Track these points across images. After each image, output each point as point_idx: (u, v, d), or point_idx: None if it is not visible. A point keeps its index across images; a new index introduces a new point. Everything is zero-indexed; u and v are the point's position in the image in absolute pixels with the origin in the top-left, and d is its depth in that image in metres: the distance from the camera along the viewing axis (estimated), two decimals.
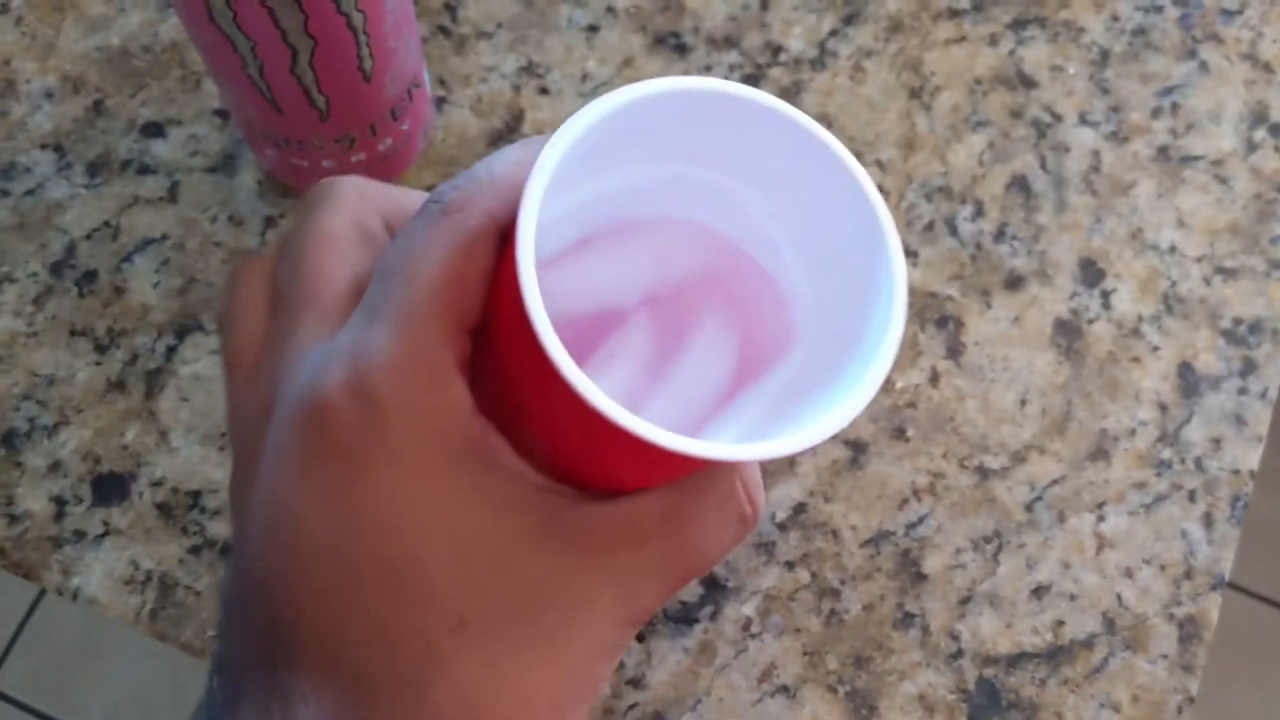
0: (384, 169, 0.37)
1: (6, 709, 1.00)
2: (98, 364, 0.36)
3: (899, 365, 0.37)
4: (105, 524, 0.35)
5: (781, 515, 0.36)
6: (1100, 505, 0.36)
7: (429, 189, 0.39)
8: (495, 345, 0.23)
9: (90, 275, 0.37)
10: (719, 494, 0.23)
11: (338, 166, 0.36)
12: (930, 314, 0.38)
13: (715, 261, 0.32)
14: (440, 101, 0.40)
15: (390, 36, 0.32)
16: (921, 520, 0.36)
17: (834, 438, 0.37)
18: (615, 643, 0.22)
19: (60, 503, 0.35)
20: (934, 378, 0.37)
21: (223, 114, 0.39)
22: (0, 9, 0.40)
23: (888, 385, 0.37)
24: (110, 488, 0.35)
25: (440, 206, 0.22)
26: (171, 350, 0.37)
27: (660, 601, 0.22)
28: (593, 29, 0.41)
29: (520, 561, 0.20)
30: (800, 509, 0.36)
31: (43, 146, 0.39)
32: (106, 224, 0.38)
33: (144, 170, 0.39)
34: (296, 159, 0.36)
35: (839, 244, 0.27)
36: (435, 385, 0.20)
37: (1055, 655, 0.35)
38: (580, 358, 0.29)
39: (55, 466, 0.35)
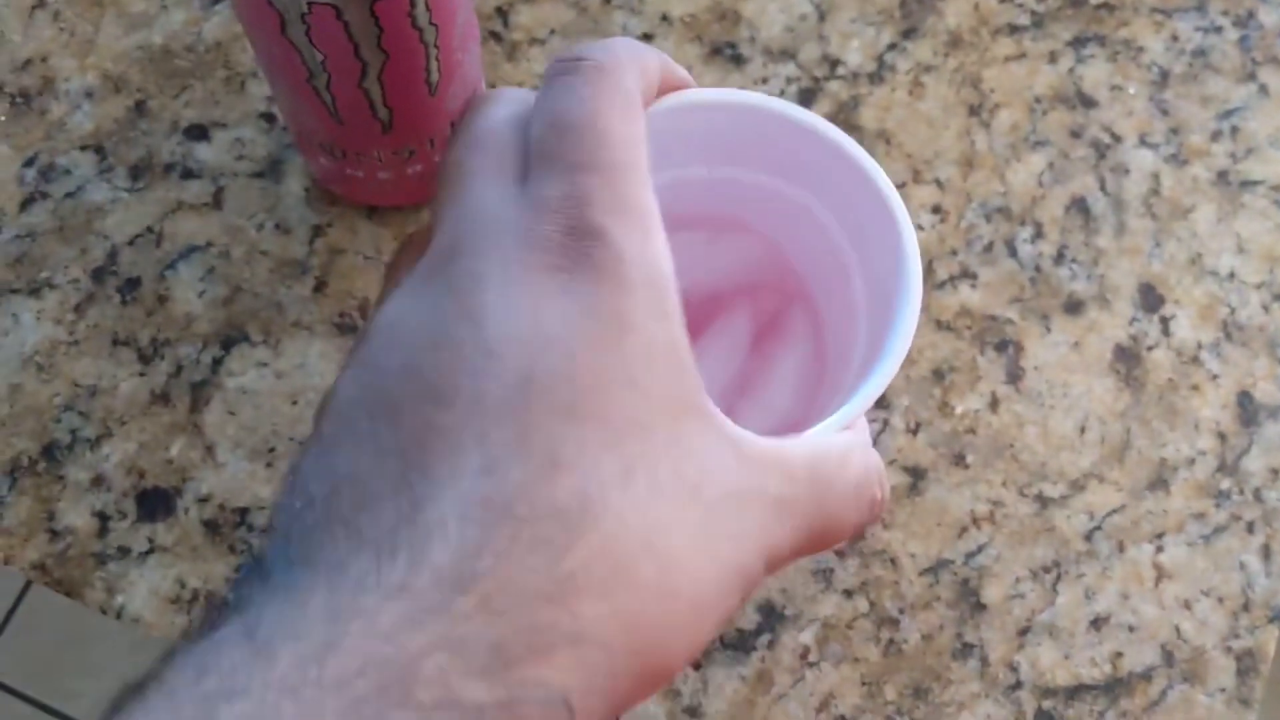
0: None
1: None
2: (141, 375, 0.35)
3: (959, 390, 0.37)
4: (150, 541, 0.34)
5: (840, 543, 0.35)
6: (1159, 535, 0.36)
7: None
8: None
9: (133, 283, 0.36)
10: (858, 472, 0.23)
11: (393, 178, 0.35)
12: (990, 337, 0.37)
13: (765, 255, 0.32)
14: None
15: (458, 50, 0.31)
16: (981, 549, 0.35)
17: (894, 463, 0.36)
18: (754, 570, 0.20)
19: (104, 518, 0.34)
20: (994, 403, 0.37)
21: (269, 117, 0.38)
22: (37, 3, 0.39)
23: (947, 410, 0.36)
24: (155, 503, 0.34)
25: (595, 64, 0.22)
26: (217, 362, 0.35)
27: (793, 555, 0.21)
28: (647, 37, 0.40)
29: (696, 436, 0.20)
30: (858, 536, 0.35)
31: (83, 148, 0.37)
32: (149, 230, 0.37)
33: (188, 174, 0.37)
34: (351, 169, 0.34)
35: (879, 254, 0.27)
36: (652, 238, 0.20)
37: (1114, 688, 0.34)
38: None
39: (98, 481, 0.34)
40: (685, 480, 0.19)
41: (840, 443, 0.23)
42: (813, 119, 0.28)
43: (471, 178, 0.21)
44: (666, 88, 0.26)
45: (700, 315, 0.31)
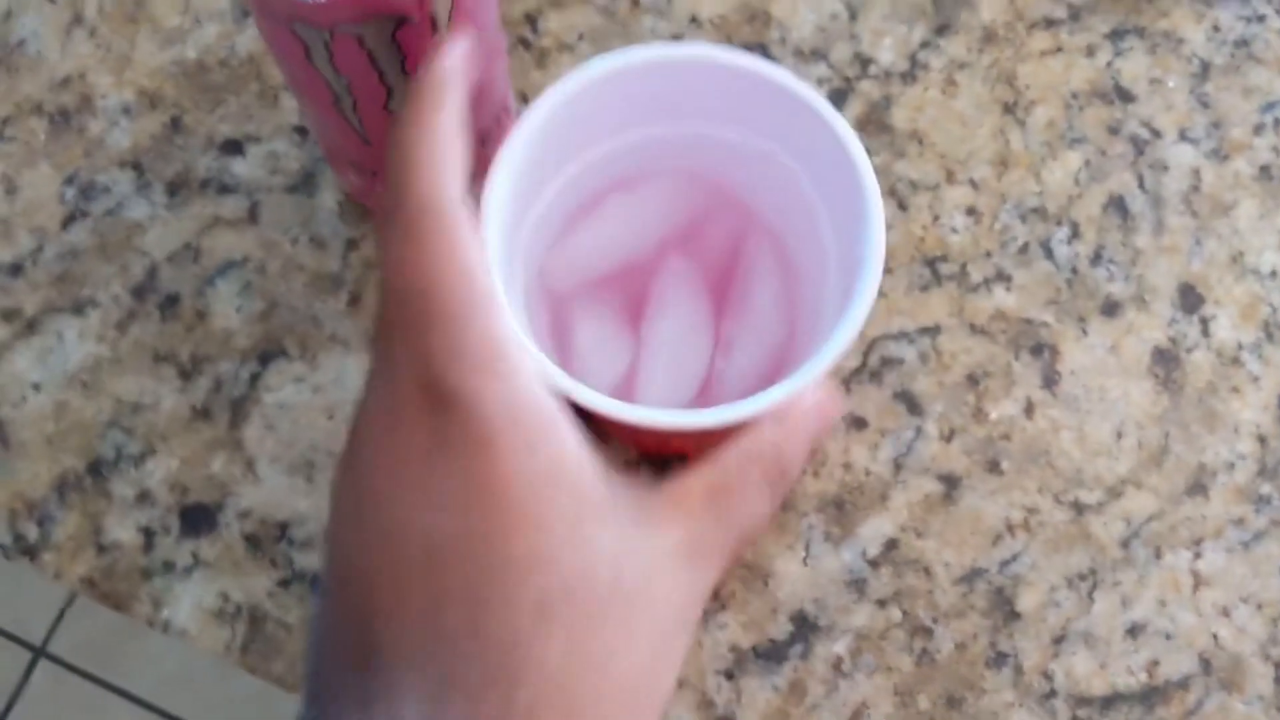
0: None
1: (60, 672, 0.99)
2: (182, 391, 0.34)
3: (993, 396, 0.35)
4: (194, 555, 0.33)
5: (873, 551, 0.33)
6: (1197, 542, 0.34)
7: None
8: None
9: (172, 299, 0.35)
10: (757, 466, 0.23)
11: None
12: (1025, 341, 0.35)
13: (720, 202, 0.31)
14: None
15: (488, 65, 0.29)
16: (1015, 557, 0.34)
17: (927, 470, 0.34)
18: (686, 619, 0.22)
19: (149, 533, 0.33)
20: (1029, 408, 0.35)
21: (302, 130, 0.37)
22: (73, 21, 0.38)
23: (981, 416, 0.35)
24: (198, 518, 0.33)
25: (402, 212, 0.22)
26: (255, 377, 0.34)
27: (718, 576, 0.22)
28: (676, 39, 0.38)
29: (592, 537, 0.20)
30: (892, 545, 0.33)
31: (121, 165, 0.36)
32: (187, 246, 0.36)
33: (224, 189, 0.36)
34: (381, 186, 0.33)
35: (843, 201, 0.27)
36: (500, 372, 0.20)
37: (1150, 696, 0.33)
38: (634, 309, 0.29)
39: (143, 496, 0.33)
40: (595, 592, 0.20)
41: (738, 450, 0.23)
42: (768, 68, 0.27)
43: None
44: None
45: (672, 256, 0.31)
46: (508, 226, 0.27)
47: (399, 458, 0.20)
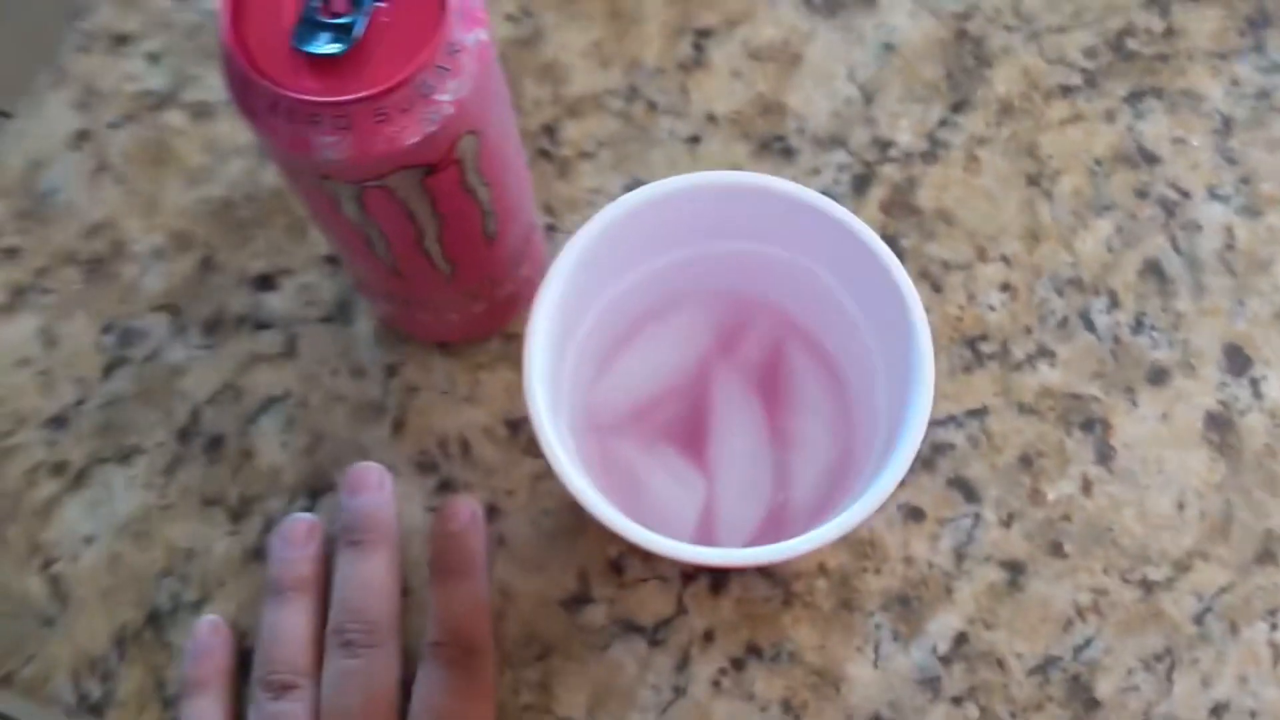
0: (504, 313, 0.34)
1: None
2: (233, 534, 0.34)
3: (1049, 476, 0.34)
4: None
5: (943, 647, 0.32)
6: (1273, 612, 0.32)
7: None
8: None
9: (217, 440, 0.35)
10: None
11: (459, 318, 0.33)
12: (1075, 417, 0.34)
13: (760, 318, 0.31)
14: (550, 229, 0.36)
15: (512, 194, 0.29)
16: (1089, 642, 0.32)
17: (990, 558, 0.33)
18: None
19: None
20: (1086, 486, 0.34)
21: (332, 260, 0.36)
22: (98, 167, 0.38)
23: (1039, 498, 0.34)
24: None
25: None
26: (307, 512, 0.34)
27: None
28: (694, 140, 0.38)
29: None
30: (962, 639, 0.32)
31: (157, 308, 0.36)
32: (228, 385, 0.35)
33: (260, 326, 0.36)
34: (417, 314, 0.33)
35: (891, 330, 0.26)
36: None
37: None
38: (688, 432, 0.27)
39: None
40: None
41: None
42: (807, 193, 0.27)
43: None
44: None
45: (716, 371, 0.30)
46: (550, 364, 0.26)
47: None
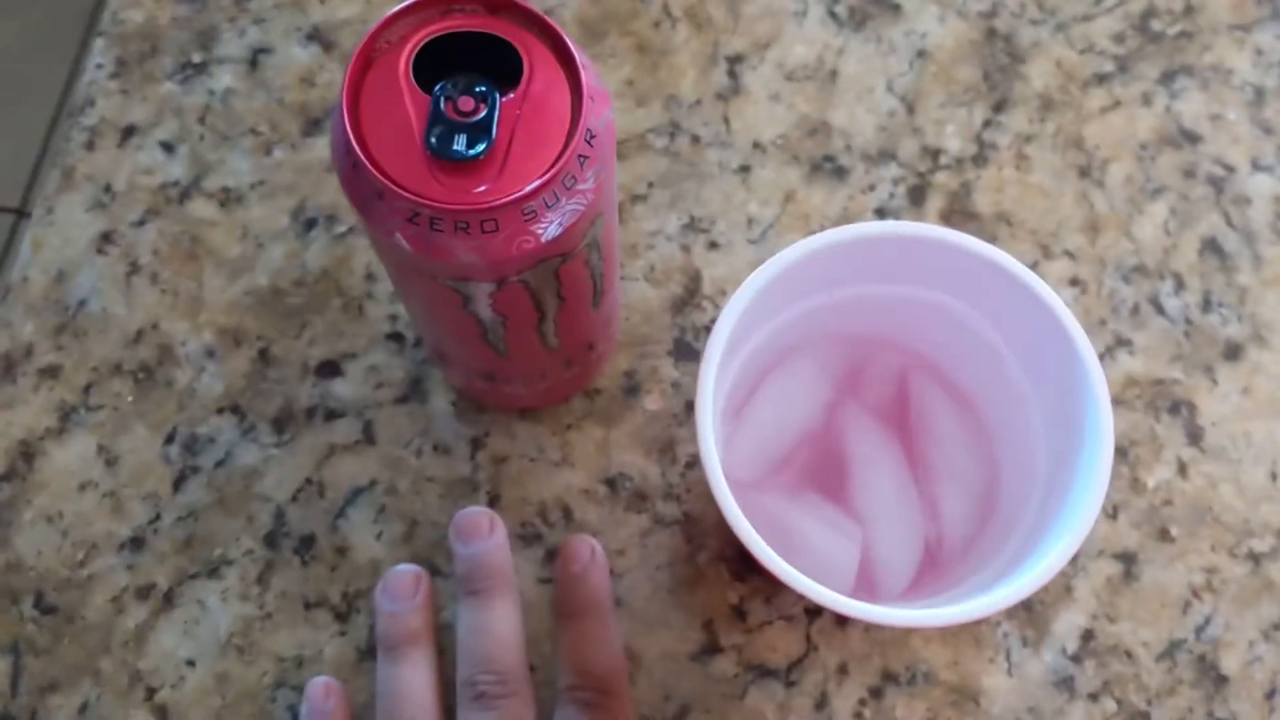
0: (589, 373, 0.35)
1: None
2: (342, 633, 0.34)
3: (1146, 463, 0.36)
4: None
5: (1072, 646, 0.35)
6: None
7: (626, 374, 0.37)
8: None
9: (308, 540, 0.35)
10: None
11: (548, 385, 0.34)
12: (1161, 402, 0.37)
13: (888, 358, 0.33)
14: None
15: (613, 262, 0.30)
16: (1208, 621, 0.35)
17: (1103, 552, 0.35)
18: None
19: None
20: (1181, 469, 0.36)
21: (396, 337, 0.37)
22: (131, 270, 0.38)
23: (1139, 487, 0.36)
24: None
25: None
26: None
27: None
28: (745, 169, 0.39)
29: None
30: (1088, 636, 0.35)
31: (219, 411, 0.36)
32: (309, 481, 0.36)
33: (331, 415, 0.36)
34: (508, 387, 0.34)
35: (1052, 371, 0.28)
36: None
37: None
38: (829, 477, 0.29)
39: None
40: None
41: None
42: (960, 238, 0.29)
43: None
44: None
45: (847, 413, 0.32)
46: (714, 423, 0.27)
47: None
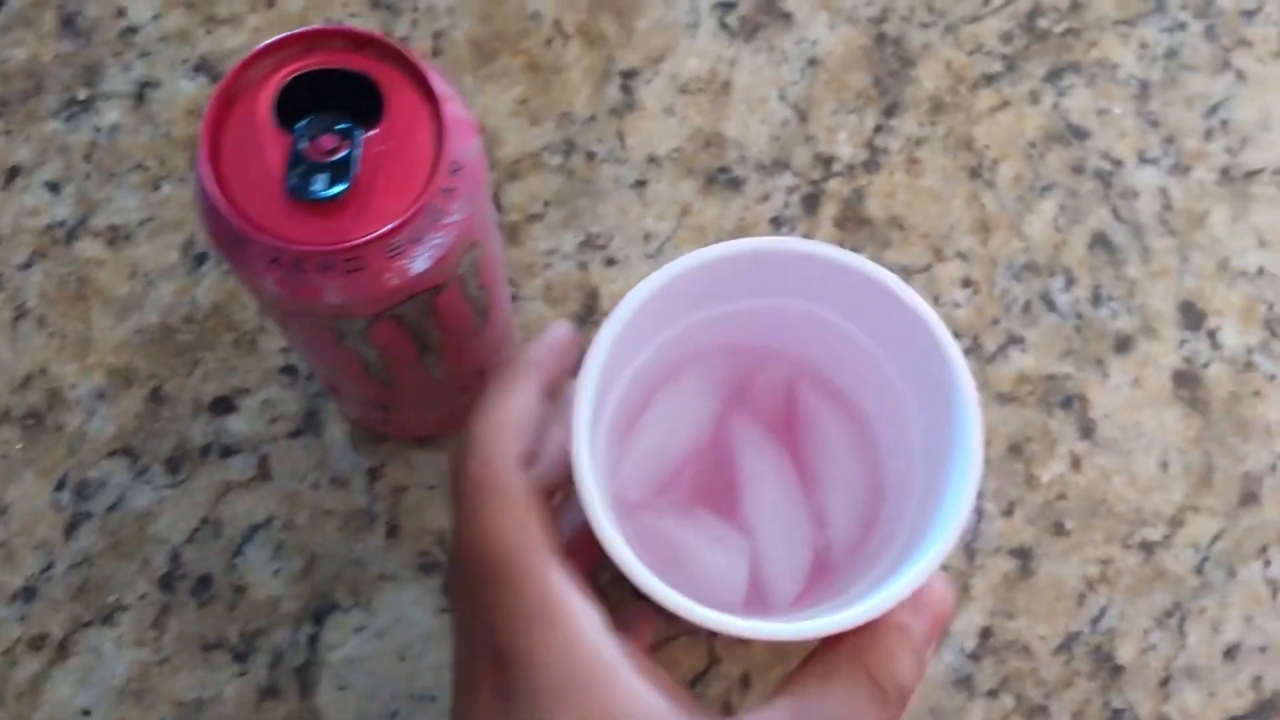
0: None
1: None
2: (242, 674, 0.36)
3: (1040, 459, 0.39)
4: None
5: (971, 645, 0.37)
6: (1263, 550, 0.39)
7: None
8: None
9: (204, 581, 0.37)
10: (844, 686, 0.26)
11: (441, 413, 0.36)
12: (1053, 397, 0.40)
13: (777, 368, 0.35)
14: (513, 299, 0.40)
15: (498, 289, 0.32)
16: (1103, 612, 0.38)
17: (999, 549, 0.38)
18: None
19: None
20: (1075, 463, 0.39)
21: (289, 370, 0.39)
22: (18, 314, 0.39)
23: (1034, 482, 0.39)
24: None
25: (472, 481, 0.27)
26: (314, 639, 0.36)
27: None
28: (640, 184, 0.42)
29: None
30: (986, 634, 0.37)
31: (111, 454, 0.38)
32: (204, 520, 0.37)
33: (226, 452, 0.38)
34: (399, 417, 0.36)
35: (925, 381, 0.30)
36: (556, 631, 0.25)
37: (1263, 712, 0.37)
38: (718, 492, 0.33)
39: None
40: None
41: (824, 688, 0.26)
42: (842, 254, 0.30)
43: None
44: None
45: (734, 425, 0.34)
46: (591, 449, 0.29)
47: (476, 712, 0.25)
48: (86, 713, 0.36)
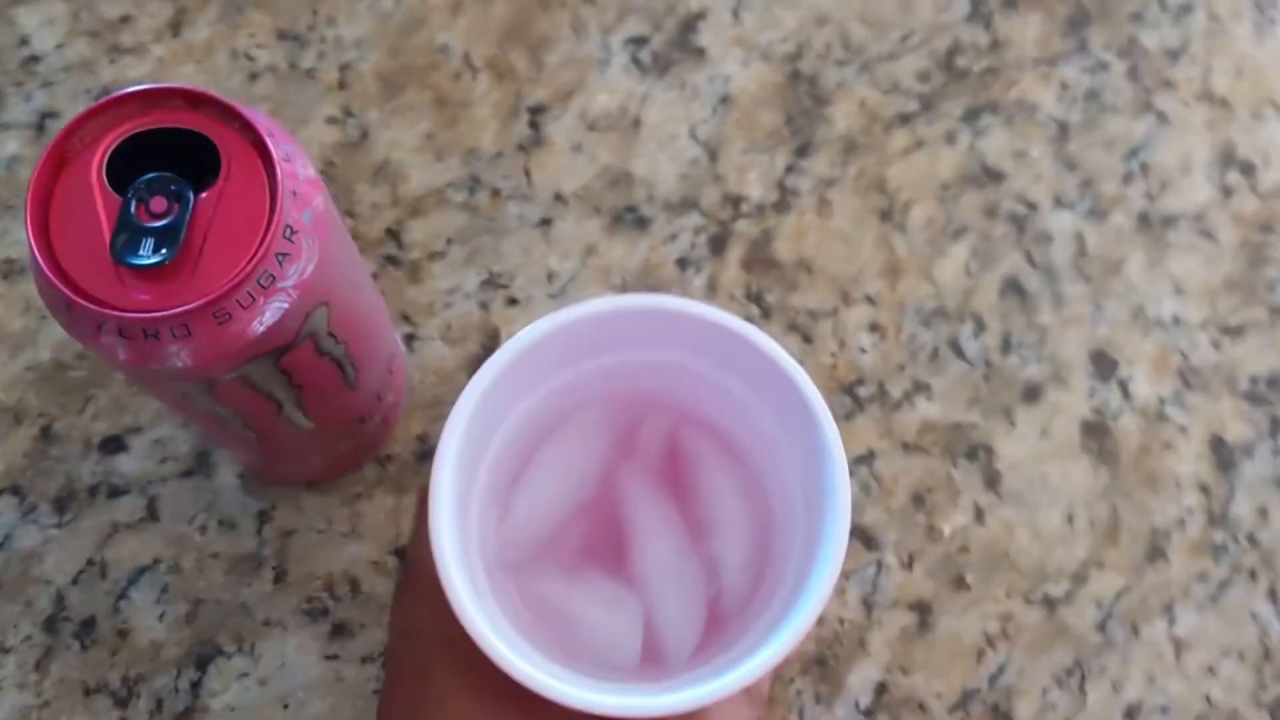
0: (373, 444, 0.36)
1: None
2: (123, 719, 0.35)
3: (943, 510, 0.38)
4: None
5: (865, 701, 0.36)
6: (1168, 608, 0.37)
7: (419, 438, 0.38)
8: None
9: (88, 624, 0.36)
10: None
11: (324, 461, 0.35)
12: (958, 447, 0.38)
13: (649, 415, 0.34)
14: (409, 339, 0.39)
15: (369, 339, 0.31)
16: (1002, 669, 0.37)
17: (897, 603, 0.37)
18: None
19: None
20: (978, 515, 0.38)
21: None
22: None
23: (935, 534, 0.38)
24: None
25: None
26: (196, 685, 0.35)
27: None
28: (545, 222, 0.40)
29: None
30: (882, 689, 0.36)
31: None
32: (90, 562, 0.36)
33: (115, 492, 0.37)
34: (282, 464, 0.35)
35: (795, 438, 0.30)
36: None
37: None
38: (605, 548, 0.32)
39: None
40: None
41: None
42: (715, 314, 0.30)
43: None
44: None
45: (619, 478, 0.33)
46: (457, 512, 0.28)
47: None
48: None
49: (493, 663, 0.26)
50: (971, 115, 0.42)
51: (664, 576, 0.32)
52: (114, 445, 0.38)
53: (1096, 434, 0.39)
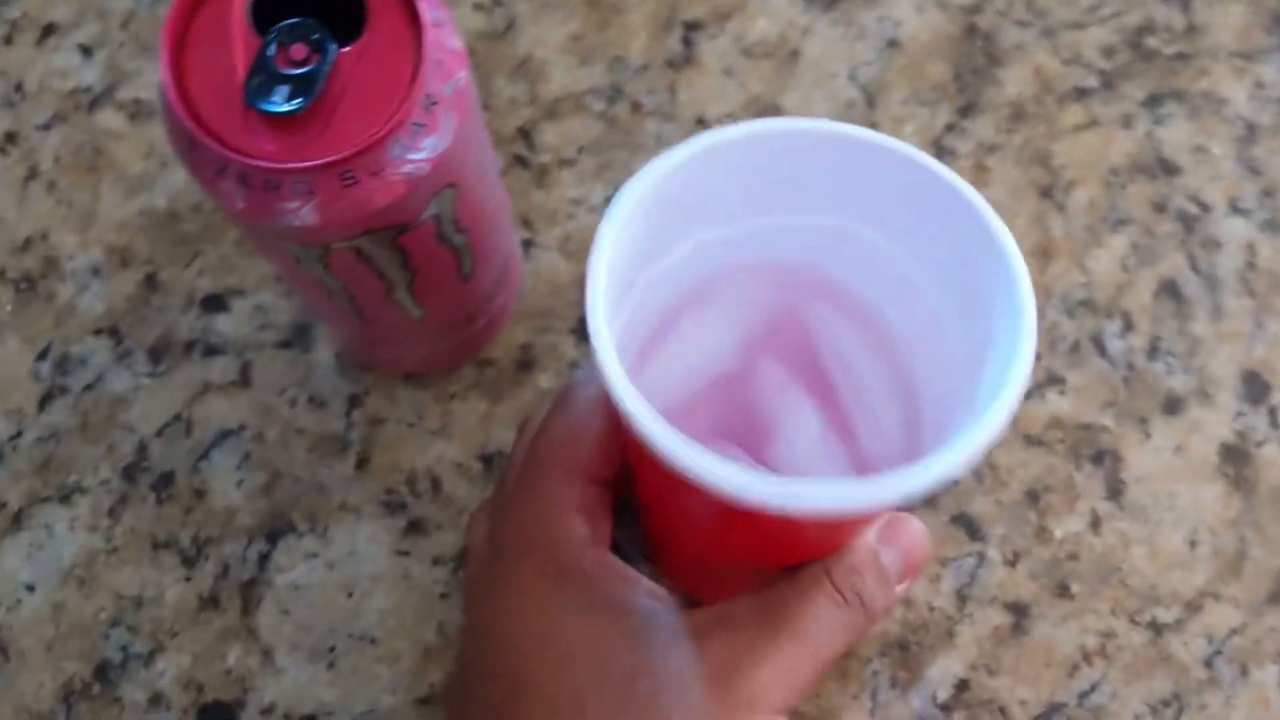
0: (477, 344, 0.34)
1: None
2: (187, 579, 0.34)
3: (1056, 512, 0.34)
4: None
5: (944, 695, 0.33)
6: None
7: (522, 347, 0.35)
8: (635, 475, 0.26)
9: (167, 478, 0.34)
10: (803, 584, 0.26)
11: (427, 353, 0.32)
12: (1085, 449, 0.35)
13: (811, 294, 0.30)
14: (526, 245, 0.36)
15: (490, 233, 0.28)
16: (1094, 687, 0.33)
17: (994, 600, 0.34)
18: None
19: None
20: (1095, 523, 0.34)
21: None
22: (29, 174, 0.37)
23: (1045, 536, 0.34)
24: (218, 719, 0.33)
25: (563, 392, 0.27)
26: (264, 557, 0.34)
27: (778, 682, 0.25)
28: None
29: (612, 653, 0.24)
30: (963, 686, 0.33)
31: (97, 332, 0.35)
32: (177, 417, 0.35)
33: (211, 351, 0.35)
34: (383, 351, 0.32)
35: (968, 280, 0.26)
36: (548, 528, 0.25)
37: None
38: (738, 427, 0.29)
39: (156, 699, 0.33)
40: (607, 695, 0.24)
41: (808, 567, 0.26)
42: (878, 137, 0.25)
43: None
44: None
45: (761, 364, 0.30)
46: (612, 312, 0.24)
47: (475, 604, 0.27)
48: (30, 588, 0.34)
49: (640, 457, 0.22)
50: (1153, 101, 0.38)
51: (806, 466, 0.29)
52: (216, 304, 0.36)
53: (1236, 459, 0.35)
